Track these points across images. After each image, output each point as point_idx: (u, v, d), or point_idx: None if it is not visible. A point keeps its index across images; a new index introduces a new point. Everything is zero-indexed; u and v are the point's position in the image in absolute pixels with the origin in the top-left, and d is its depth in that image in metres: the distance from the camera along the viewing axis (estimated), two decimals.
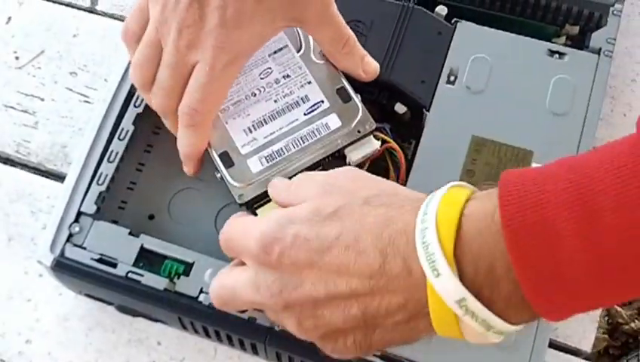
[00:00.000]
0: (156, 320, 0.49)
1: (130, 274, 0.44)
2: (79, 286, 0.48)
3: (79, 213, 0.46)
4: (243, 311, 0.43)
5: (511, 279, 0.31)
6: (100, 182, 0.47)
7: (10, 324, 0.50)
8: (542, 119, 0.47)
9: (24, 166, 0.57)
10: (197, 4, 0.42)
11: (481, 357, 0.41)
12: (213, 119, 0.45)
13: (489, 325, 0.32)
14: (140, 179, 0.49)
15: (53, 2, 0.63)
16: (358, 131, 0.45)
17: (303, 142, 0.45)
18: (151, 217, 0.48)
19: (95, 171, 0.47)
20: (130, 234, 0.45)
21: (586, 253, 0.29)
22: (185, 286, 0.44)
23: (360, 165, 0.46)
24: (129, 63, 0.47)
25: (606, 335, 0.52)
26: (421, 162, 0.46)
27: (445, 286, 0.31)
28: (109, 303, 0.49)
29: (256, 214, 0.43)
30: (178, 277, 0.44)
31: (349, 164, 0.45)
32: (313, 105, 0.46)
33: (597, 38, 0.51)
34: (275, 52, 0.47)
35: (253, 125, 0.46)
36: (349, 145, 0.45)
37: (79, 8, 0.63)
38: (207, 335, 0.46)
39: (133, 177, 0.49)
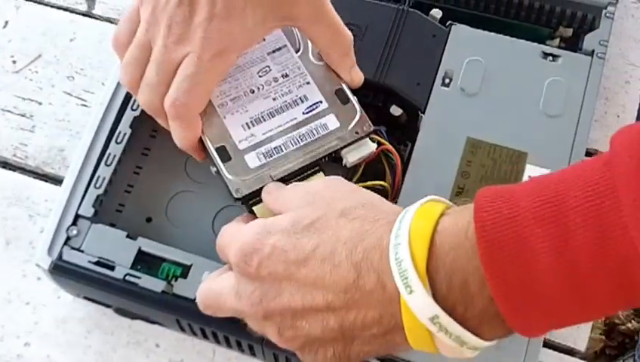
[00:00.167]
0: (154, 323, 0.49)
1: (127, 277, 0.44)
2: (77, 289, 0.48)
3: (77, 216, 0.46)
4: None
5: (485, 295, 0.31)
6: (97, 185, 0.47)
7: (9, 327, 0.50)
8: (536, 121, 0.48)
9: (22, 169, 0.57)
10: (187, 1, 0.42)
11: (475, 356, 0.41)
12: (211, 113, 0.45)
13: (463, 341, 0.32)
14: (137, 182, 0.50)
15: (51, 6, 0.63)
16: (356, 133, 0.45)
17: (301, 141, 0.45)
18: (148, 220, 0.49)
19: (92, 174, 0.47)
20: (127, 236, 0.46)
21: (561, 270, 0.29)
22: (182, 288, 0.44)
23: (356, 167, 0.46)
24: None
25: (603, 336, 0.52)
26: (417, 164, 0.47)
27: (418, 304, 0.31)
28: (108, 306, 0.49)
29: (252, 211, 0.44)
30: (176, 280, 0.44)
31: (346, 166, 0.45)
32: (312, 105, 0.46)
33: (590, 41, 0.51)
34: (274, 51, 0.48)
35: (251, 121, 0.46)
36: (346, 146, 0.45)
37: (76, 12, 0.63)
38: (205, 337, 0.47)
39: (130, 180, 0.50)
